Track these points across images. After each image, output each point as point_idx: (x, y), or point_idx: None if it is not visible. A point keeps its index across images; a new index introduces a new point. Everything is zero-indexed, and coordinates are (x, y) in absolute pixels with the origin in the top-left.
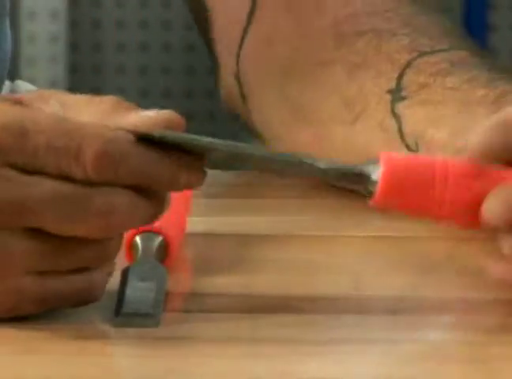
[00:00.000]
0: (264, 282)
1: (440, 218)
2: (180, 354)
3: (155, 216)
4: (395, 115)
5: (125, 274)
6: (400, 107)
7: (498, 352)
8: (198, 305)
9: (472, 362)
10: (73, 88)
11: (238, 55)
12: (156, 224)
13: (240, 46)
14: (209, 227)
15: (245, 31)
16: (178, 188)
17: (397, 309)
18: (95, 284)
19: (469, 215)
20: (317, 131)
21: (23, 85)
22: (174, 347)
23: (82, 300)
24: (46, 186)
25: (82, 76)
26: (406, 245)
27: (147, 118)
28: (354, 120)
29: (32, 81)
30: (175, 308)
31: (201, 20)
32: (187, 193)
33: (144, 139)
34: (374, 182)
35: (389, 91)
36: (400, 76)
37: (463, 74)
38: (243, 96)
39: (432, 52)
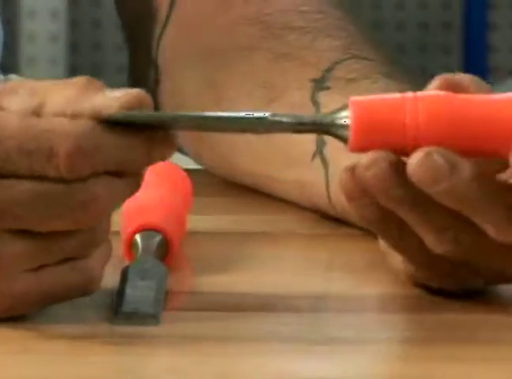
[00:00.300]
0: (263, 281)
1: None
2: (180, 353)
3: (132, 193)
4: (314, 103)
5: (125, 273)
6: (321, 95)
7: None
8: (198, 303)
9: (473, 362)
10: None
11: (158, 40)
12: (157, 223)
13: (161, 32)
14: (209, 225)
15: (167, 16)
16: (152, 163)
17: (395, 307)
18: (89, 274)
19: (446, 139)
20: (222, 104)
21: (16, 79)
22: (174, 346)
23: (78, 292)
24: (22, 187)
25: (82, 76)
26: None
27: (114, 98)
28: (269, 101)
29: None
30: (174, 307)
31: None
32: (187, 191)
33: (112, 122)
34: (347, 126)
35: (313, 80)
36: (328, 70)
37: (389, 83)
38: (157, 81)
39: (365, 58)
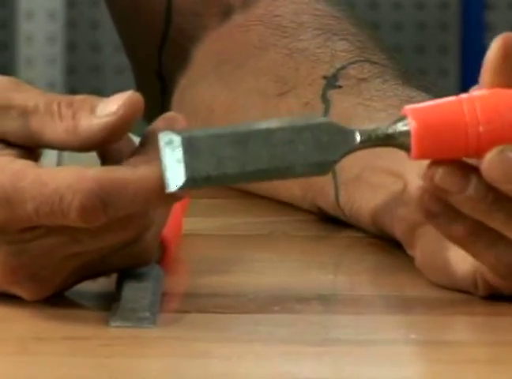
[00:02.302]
0: (259, 282)
1: (479, 154)
2: (176, 355)
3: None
4: (324, 100)
5: (121, 275)
6: (333, 94)
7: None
8: (194, 305)
9: (472, 363)
10: (72, 88)
11: (160, 50)
12: None
13: (163, 42)
14: (205, 227)
15: (165, 27)
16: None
17: (392, 309)
18: (142, 255)
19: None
20: (236, 100)
21: None
22: (170, 348)
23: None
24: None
25: (80, 77)
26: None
27: (109, 119)
28: (280, 95)
29: (30, 82)
30: (171, 308)
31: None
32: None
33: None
34: (408, 136)
35: (325, 78)
36: (341, 68)
37: (400, 84)
38: (163, 91)
39: (378, 63)
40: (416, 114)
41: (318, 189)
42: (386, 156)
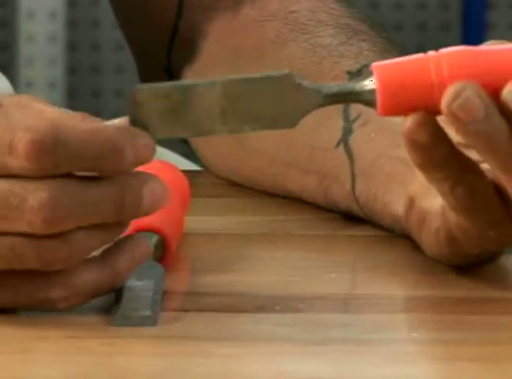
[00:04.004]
0: (261, 281)
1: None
2: (178, 354)
3: (108, 206)
4: None
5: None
6: None
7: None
8: (195, 304)
9: (473, 361)
10: (72, 88)
11: (170, 46)
12: (154, 224)
13: (173, 37)
14: (207, 226)
15: (175, 23)
16: (125, 166)
17: (393, 308)
18: None
19: None
20: None
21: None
22: (171, 346)
23: None
24: None
25: (81, 77)
26: (403, 244)
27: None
28: None
29: (30, 82)
30: (172, 307)
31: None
32: (185, 192)
33: None
34: (373, 92)
35: (349, 73)
36: (366, 65)
37: None
38: None
39: None
40: (381, 71)
41: (333, 177)
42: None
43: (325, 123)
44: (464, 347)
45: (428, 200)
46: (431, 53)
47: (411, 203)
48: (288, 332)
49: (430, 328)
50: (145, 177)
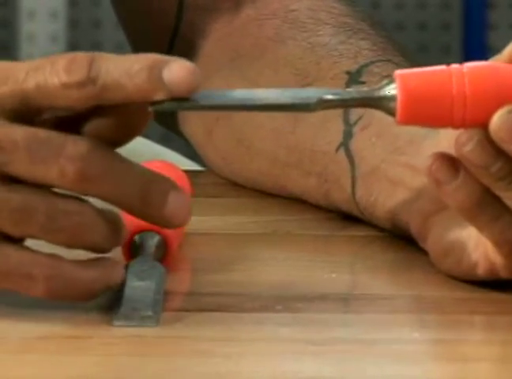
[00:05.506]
0: (262, 281)
1: (465, 122)
2: (179, 354)
3: (135, 190)
4: None
5: (124, 273)
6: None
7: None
8: (197, 304)
9: (474, 361)
10: None
11: (170, 47)
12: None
13: (173, 38)
14: (208, 226)
15: (176, 24)
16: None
17: (395, 307)
18: None
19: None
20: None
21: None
22: (173, 347)
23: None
24: (20, 130)
25: None
26: (404, 244)
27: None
28: (300, 87)
29: None
30: (173, 307)
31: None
32: (187, 192)
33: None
34: (394, 100)
35: (348, 73)
36: (365, 65)
37: None
38: None
39: (399, 65)
40: (404, 80)
41: (334, 180)
42: (407, 150)
43: (326, 126)
44: (466, 347)
45: (452, 230)
46: (454, 66)
47: (425, 223)
48: (289, 332)
49: (431, 328)
50: (173, 184)
